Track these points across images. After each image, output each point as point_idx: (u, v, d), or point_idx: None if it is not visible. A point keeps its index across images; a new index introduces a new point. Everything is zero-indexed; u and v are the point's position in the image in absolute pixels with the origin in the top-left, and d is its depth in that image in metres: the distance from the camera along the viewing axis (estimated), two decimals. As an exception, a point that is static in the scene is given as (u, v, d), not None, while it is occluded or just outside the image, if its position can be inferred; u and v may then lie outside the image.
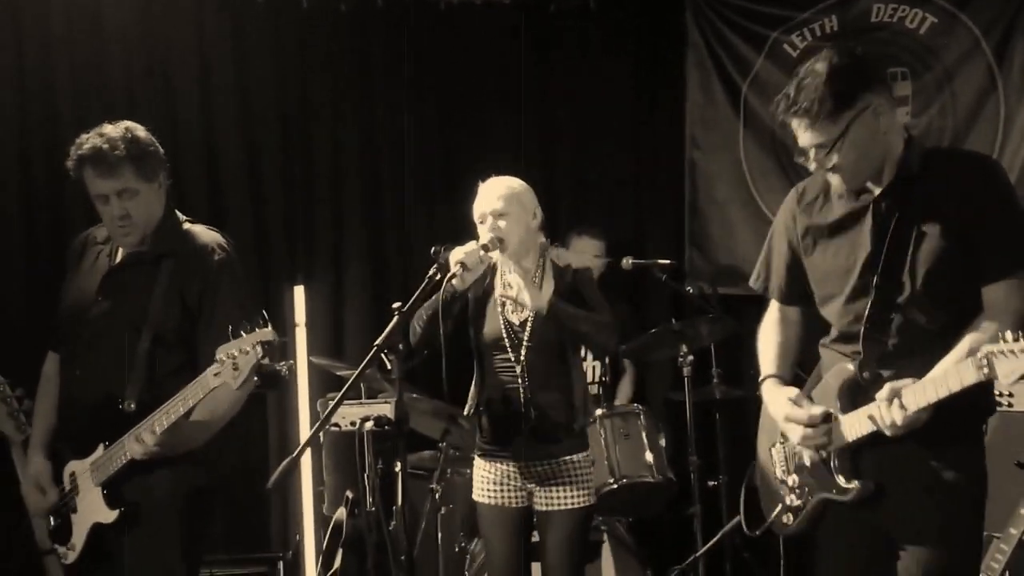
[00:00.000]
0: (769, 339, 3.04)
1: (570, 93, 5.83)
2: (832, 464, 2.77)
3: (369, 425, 4.28)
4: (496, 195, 3.63)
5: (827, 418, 2.74)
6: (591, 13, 5.79)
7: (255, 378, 2.93)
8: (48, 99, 5.17)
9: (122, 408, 3.13)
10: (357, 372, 3.09)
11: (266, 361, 2.89)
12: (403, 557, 4.11)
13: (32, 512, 3.32)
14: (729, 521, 4.78)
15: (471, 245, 3.50)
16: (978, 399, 2.59)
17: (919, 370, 2.57)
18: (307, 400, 5.07)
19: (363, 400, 4.60)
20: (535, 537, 3.74)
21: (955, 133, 5.27)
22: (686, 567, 4.78)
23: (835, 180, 2.73)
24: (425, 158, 5.73)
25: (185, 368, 3.15)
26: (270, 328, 2.89)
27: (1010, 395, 4.03)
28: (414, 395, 4.42)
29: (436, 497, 4.44)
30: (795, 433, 2.80)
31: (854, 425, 2.69)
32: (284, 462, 2.86)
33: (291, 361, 3.22)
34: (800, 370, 3.03)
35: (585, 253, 5.10)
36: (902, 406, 2.53)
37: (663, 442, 4.49)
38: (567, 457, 3.62)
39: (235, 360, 2.89)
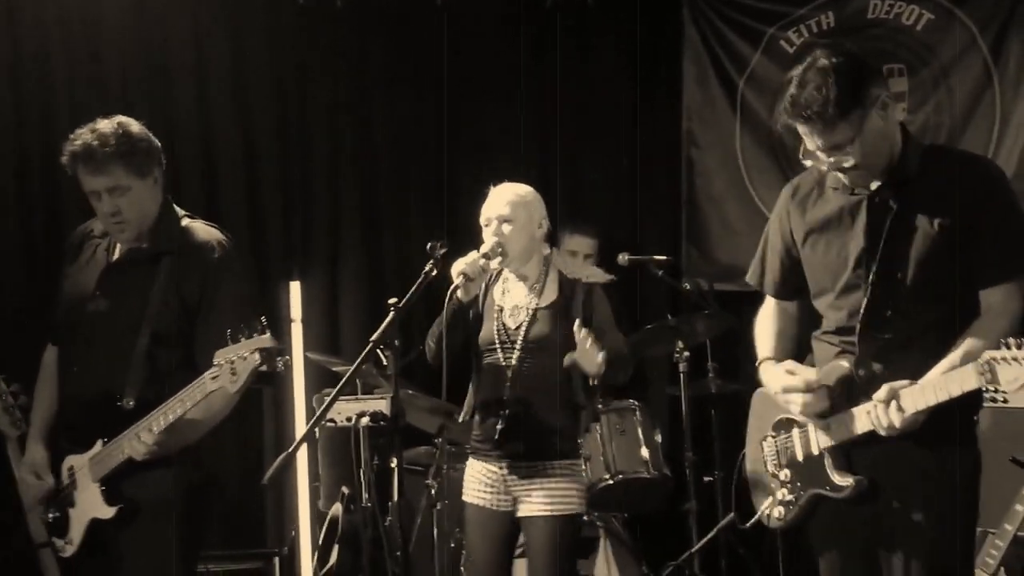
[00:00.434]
0: (766, 327, 3.05)
1: (567, 89, 5.81)
2: (826, 460, 2.77)
3: (365, 421, 4.27)
4: (504, 200, 3.63)
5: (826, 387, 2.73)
6: (588, 9, 5.78)
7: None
8: (45, 93, 5.15)
9: (120, 405, 3.12)
10: (353, 368, 3.10)
11: (264, 368, 2.90)
12: (399, 553, 4.09)
13: (27, 501, 3.30)
14: (725, 516, 4.78)
15: (472, 255, 3.50)
16: (969, 395, 2.59)
17: (913, 365, 2.58)
18: (303, 396, 5.06)
19: (359, 396, 4.58)
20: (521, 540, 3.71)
21: (951, 129, 5.28)
22: (682, 563, 4.78)
23: (847, 178, 2.71)
24: (421, 153, 5.72)
25: (184, 366, 3.14)
26: (269, 335, 2.90)
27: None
28: (410, 391, 4.42)
29: (432, 493, 4.42)
30: (795, 403, 2.78)
31: (853, 422, 2.69)
32: (280, 457, 2.88)
33: (287, 357, 3.21)
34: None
35: (590, 268, 5.07)
36: (900, 408, 2.54)
37: (659, 438, 4.48)
38: (555, 462, 3.57)
39: (233, 365, 2.90)
